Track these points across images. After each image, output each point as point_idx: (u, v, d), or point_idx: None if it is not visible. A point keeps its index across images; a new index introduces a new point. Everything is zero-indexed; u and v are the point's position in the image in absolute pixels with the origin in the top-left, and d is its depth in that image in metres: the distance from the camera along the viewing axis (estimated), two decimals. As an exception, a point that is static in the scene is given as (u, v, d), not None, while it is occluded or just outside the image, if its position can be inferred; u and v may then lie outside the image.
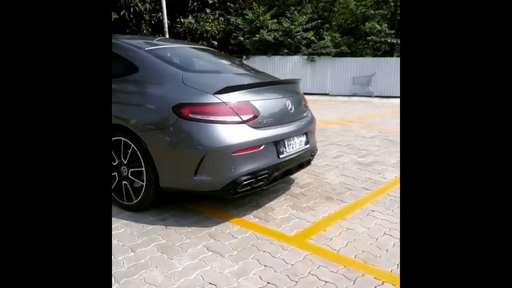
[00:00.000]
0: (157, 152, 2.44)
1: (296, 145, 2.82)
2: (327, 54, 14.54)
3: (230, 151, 2.34)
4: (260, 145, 2.47)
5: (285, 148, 2.70)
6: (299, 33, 14.94)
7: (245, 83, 2.57)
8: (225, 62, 3.38)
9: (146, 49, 2.87)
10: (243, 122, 2.42)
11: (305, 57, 14.70)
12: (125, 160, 2.65)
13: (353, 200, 3.07)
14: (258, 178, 2.50)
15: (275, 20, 15.14)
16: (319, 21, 15.42)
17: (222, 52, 4.07)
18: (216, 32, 15.34)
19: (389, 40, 14.69)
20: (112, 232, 2.39)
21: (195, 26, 15.17)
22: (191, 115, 2.34)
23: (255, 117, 2.48)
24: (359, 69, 14.68)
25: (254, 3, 15.65)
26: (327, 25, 16.30)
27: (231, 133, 2.36)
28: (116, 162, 2.71)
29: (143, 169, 2.52)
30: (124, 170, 2.68)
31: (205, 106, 2.36)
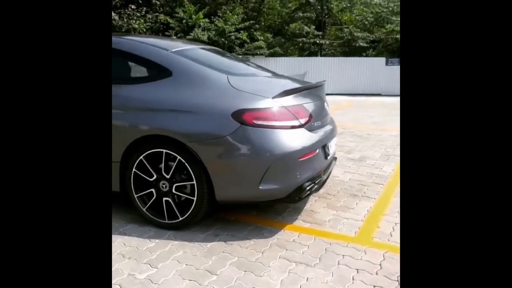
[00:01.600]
0: (214, 163, 2.25)
1: (333, 146, 2.85)
2: (261, 54, 14.84)
3: (297, 157, 2.27)
4: (316, 149, 2.44)
5: (329, 150, 2.70)
6: (232, 33, 14.97)
7: (296, 87, 2.50)
8: (246, 63, 3.23)
9: (173, 50, 2.62)
10: (301, 126, 2.36)
11: (240, 57, 14.79)
12: (167, 174, 2.38)
13: (377, 195, 3.21)
14: (315, 182, 2.47)
15: (207, 20, 14.93)
16: (251, 21, 15.63)
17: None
18: (144, 30, 14.57)
19: (317, 41, 15.56)
20: (173, 255, 2.14)
21: (119, 23, 14.19)
22: (255, 121, 2.21)
23: (309, 120, 2.44)
24: (291, 68, 15.31)
25: (185, 0, 15.21)
26: (257, 26, 16.61)
27: (295, 137, 2.29)
28: (154, 177, 2.42)
29: (194, 182, 2.30)
30: (164, 186, 2.41)
31: (268, 111, 2.25)
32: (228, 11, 15.36)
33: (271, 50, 14.95)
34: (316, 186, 2.52)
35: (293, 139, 2.28)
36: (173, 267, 2.03)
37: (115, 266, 2.03)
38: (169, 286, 1.86)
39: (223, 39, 14.83)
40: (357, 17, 17.41)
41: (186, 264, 2.06)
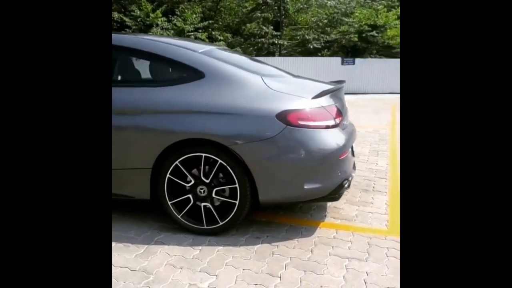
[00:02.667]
0: (259, 165, 2.23)
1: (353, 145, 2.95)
2: (222, 54, 14.76)
3: (338, 155, 2.33)
4: (350, 147, 2.52)
5: (353, 148, 2.80)
6: (192, 33, 14.70)
7: (328, 87, 2.55)
8: (263, 63, 3.20)
9: (200, 51, 2.55)
10: (337, 125, 2.42)
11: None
12: (206, 179, 2.32)
13: (385, 189, 3.37)
14: (349, 179, 2.54)
15: (165, 19, 14.52)
16: (210, 21, 15.47)
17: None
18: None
19: (276, 42, 15.81)
20: (225, 261, 2.10)
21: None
22: (299, 122, 2.23)
23: (341, 119, 2.51)
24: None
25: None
26: (216, 25, 16.48)
27: (335, 137, 2.34)
28: (192, 182, 2.34)
29: (236, 185, 2.27)
30: (202, 191, 2.35)
31: (310, 111, 2.28)
32: (186, 10, 15.07)
33: (232, 50, 14.93)
34: (349, 183, 2.60)
35: (334, 138, 2.33)
36: (232, 273, 1.99)
37: (171, 277, 1.95)
38: (238, 292, 1.83)
39: (182, 39, 14.51)
40: (312, 19, 17.96)
41: (243, 269, 2.03)
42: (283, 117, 2.22)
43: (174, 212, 2.40)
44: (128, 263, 2.08)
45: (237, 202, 2.30)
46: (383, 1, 17.68)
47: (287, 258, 2.15)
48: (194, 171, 2.37)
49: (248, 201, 2.30)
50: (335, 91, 2.59)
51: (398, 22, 16.98)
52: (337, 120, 2.43)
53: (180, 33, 14.56)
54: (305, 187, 2.28)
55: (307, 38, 16.18)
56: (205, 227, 2.38)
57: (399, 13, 17.46)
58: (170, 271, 2.01)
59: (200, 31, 15.16)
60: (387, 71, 15.29)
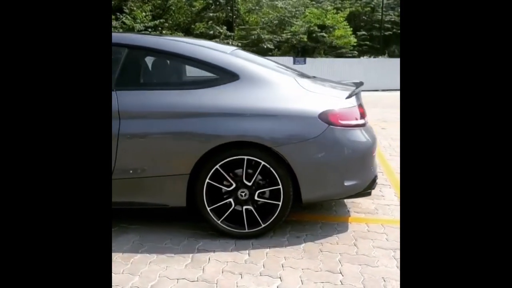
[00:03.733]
0: (302, 165, 2.26)
1: None
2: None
3: (371, 152, 2.43)
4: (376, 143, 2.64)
5: None
6: (142, 32, 14.13)
7: (353, 88, 2.64)
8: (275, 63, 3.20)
9: (229, 52, 2.51)
10: (366, 123, 2.53)
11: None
12: (248, 181, 2.29)
13: (386, 181, 3.57)
14: (377, 174, 2.66)
15: (113, 16, 13.78)
16: (161, 20, 14.99)
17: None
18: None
19: (230, 42, 15.78)
20: (279, 263, 2.10)
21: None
22: (340, 121, 2.29)
23: (366, 118, 2.62)
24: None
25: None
26: (166, 24, 16.01)
27: (367, 134, 2.45)
28: (233, 186, 2.30)
29: (280, 186, 2.27)
30: (243, 194, 2.31)
31: (348, 111, 2.35)
32: (135, 8, 14.45)
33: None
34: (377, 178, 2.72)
35: (367, 136, 2.43)
36: (293, 273, 2.00)
37: (236, 284, 1.90)
38: (310, 292, 1.84)
39: (132, 38, 13.89)
40: (262, 19, 18.22)
41: (302, 269, 2.05)
42: (325, 117, 2.27)
43: (214, 217, 2.33)
44: (183, 274, 1.99)
45: (280, 203, 2.30)
46: (331, 3, 18.48)
47: (336, 254, 2.21)
48: (241, 173, 2.32)
49: (291, 201, 2.32)
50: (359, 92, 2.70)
51: (345, 23, 17.89)
52: (366, 119, 2.54)
53: (130, 32, 13.93)
54: (345, 184, 2.35)
55: (262, 38, 16.39)
56: (246, 230, 2.34)
57: (346, 14, 18.43)
58: (231, 278, 1.96)
59: (150, 30, 14.64)
60: (336, 70, 15.98)
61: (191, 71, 2.86)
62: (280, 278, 1.96)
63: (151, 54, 2.46)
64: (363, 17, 22.30)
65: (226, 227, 2.35)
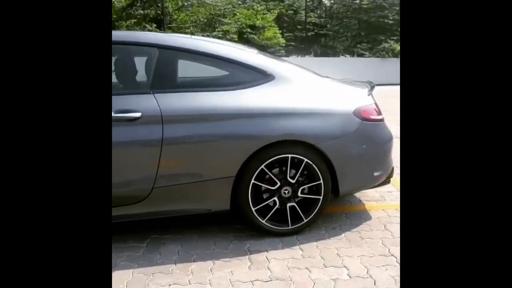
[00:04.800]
0: (341, 160, 2.39)
1: None
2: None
3: (392, 144, 2.66)
4: (392, 136, 2.89)
5: None
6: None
7: (368, 86, 2.83)
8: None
9: (256, 52, 2.52)
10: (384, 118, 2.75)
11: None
12: (292, 179, 2.34)
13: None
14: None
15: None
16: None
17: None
18: None
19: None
20: (335, 253, 2.20)
21: None
22: (370, 117, 2.47)
23: (380, 113, 2.85)
24: (139, 67, 14.50)
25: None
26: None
27: (388, 128, 2.67)
28: (277, 185, 2.33)
29: (321, 181, 2.37)
30: (286, 192, 2.36)
31: (374, 106, 2.54)
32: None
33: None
34: (393, 167, 2.96)
35: (388, 129, 2.66)
36: (354, 261, 2.12)
37: (309, 278, 1.96)
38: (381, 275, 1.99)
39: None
40: (191, 18, 17.90)
41: (358, 256, 2.18)
42: (358, 113, 2.42)
43: (258, 218, 2.34)
44: (253, 276, 1.98)
45: (321, 198, 2.40)
46: (259, 4, 18.90)
47: (378, 239, 2.39)
48: (286, 172, 2.35)
49: (329, 195, 2.43)
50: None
51: (273, 23, 18.48)
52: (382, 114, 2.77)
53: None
54: (375, 174, 2.55)
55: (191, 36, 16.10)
56: (290, 227, 2.40)
57: (274, 16, 19.03)
58: (300, 273, 2.01)
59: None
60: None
61: (199, 71, 2.79)
62: (345, 267, 2.07)
63: (185, 55, 2.35)
64: (285, 18, 23.33)
65: (270, 225, 2.37)
